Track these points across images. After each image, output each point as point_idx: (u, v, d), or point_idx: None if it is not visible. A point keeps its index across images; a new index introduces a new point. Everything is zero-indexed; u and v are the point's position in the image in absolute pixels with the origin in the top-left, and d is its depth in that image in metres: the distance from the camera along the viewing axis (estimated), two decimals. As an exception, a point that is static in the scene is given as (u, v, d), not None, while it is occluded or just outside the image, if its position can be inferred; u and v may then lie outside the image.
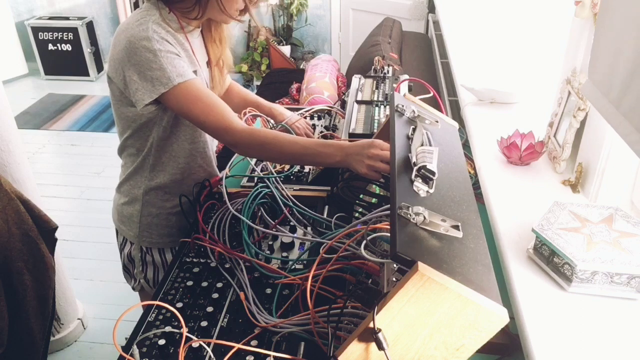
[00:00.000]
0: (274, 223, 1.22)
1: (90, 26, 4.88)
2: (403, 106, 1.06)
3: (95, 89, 4.80)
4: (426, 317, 0.66)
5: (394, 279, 0.74)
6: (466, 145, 1.43)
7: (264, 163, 1.49)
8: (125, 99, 1.22)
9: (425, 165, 0.82)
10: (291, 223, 1.22)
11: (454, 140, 1.06)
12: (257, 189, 1.28)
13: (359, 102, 1.68)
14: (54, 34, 4.82)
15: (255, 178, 1.43)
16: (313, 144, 1.18)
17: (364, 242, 0.83)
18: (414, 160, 0.87)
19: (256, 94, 1.67)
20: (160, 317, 0.98)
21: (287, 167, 1.49)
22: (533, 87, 1.62)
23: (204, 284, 1.06)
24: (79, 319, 2.27)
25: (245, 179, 1.44)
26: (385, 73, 1.90)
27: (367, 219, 1.01)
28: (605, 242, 0.87)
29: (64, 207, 3.17)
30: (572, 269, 0.85)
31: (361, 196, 1.19)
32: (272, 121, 1.63)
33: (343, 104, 1.85)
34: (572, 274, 0.86)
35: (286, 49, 4.67)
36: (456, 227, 0.74)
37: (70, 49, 4.86)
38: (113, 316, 2.33)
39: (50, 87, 4.84)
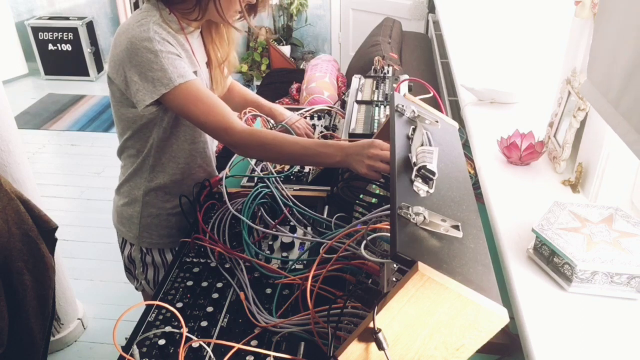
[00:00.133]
0: (274, 223, 1.22)
1: (90, 26, 4.88)
2: (403, 106, 1.06)
3: (95, 89, 4.80)
4: (426, 317, 0.66)
5: (394, 279, 0.74)
6: (466, 145, 1.43)
7: (264, 163, 1.49)
8: (126, 100, 1.22)
9: (425, 165, 0.82)
10: (291, 223, 1.22)
11: (454, 140, 1.06)
12: (257, 189, 1.28)
13: (359, 102, 1.68)
14: (54, 34, 4.82)
15: (255, 178, 1.43)
16: (313, 144, 1.18)
17: (364, 242, 0.83)
18: (414, 160, 0.87)
19: (256, 94, 1.67)
20: (160, 317, 0.98)
21: (287, 167, 1.49)
22: (533, 87, 1.62)
23: (204, 284, 1.06)
24: (79, 319, 2.27)
25: (245, 179, 1.45)
26: (385, 73, 1.90)
27: (367, 219, 1.01)
28: (605, 242, 0.87)
29: (64, 207, 3.17)
30: (572, 269, 0.85)
31: (361, 196, 1.19)
32: (272, 121, 1.63)
33: (343, 104, 1.85)
34: (572, 274, 0.86)
35: (286, 49, 4.68)
36: (456, 227, 0.74)
37: (70, 49, 4.86)
38: (113, 316, 2.33)
39: (50, 87, 4.84)
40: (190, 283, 1.06)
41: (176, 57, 1.16)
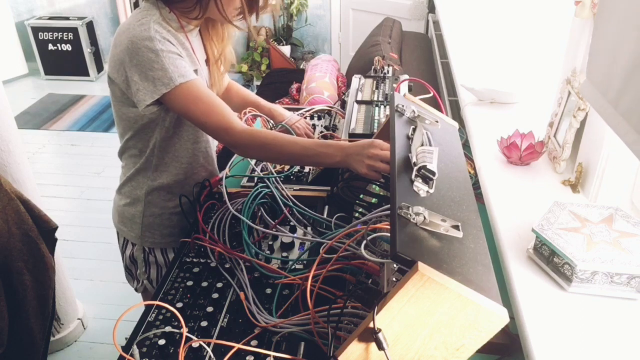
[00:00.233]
0: (274, 223, 1.22)
1: (90, 26, 4.88)
2: (403, 106, 1.06)
3: (95, 89, 4.80)
4: (426, 317, 0.66)
5: (394, 279, 0.74)
6: (466, 145, 1.43)
7: (264, 163, 1.49)
8: (127, 100, 1.22)
9: (425, 165, 0.83)
10: (291, 223, 1.22)
11: (454, 140, 1.06)
12: (257, 189, 1.28)
13: (359, 102, 1.68)
14: (54, 34, 4.82)
15: (255, 178, 1.43)
16: (313, 145, 1.18)
17: (364, 242, 0.83)
18: (414, 160, 0.87)
19: (256, 94, 1.67)
20: (160, 317, 0.98)
21: (287, 167, 1.49)
22: (533, 87, 1.62)
23: (204, 284, 1.06)
24: (79, 319, 2.27)
25: (245, 179, 1.45)
26: (385, 73, 1.90)
27: (367, 219, 1.01)
28: (605, 242, 0.87)
29: (64, 207, 3.17)
30: (572, 269, 0.85)
31: (361, 196, 1.19)
32: (272, 121, 1.63)
33: (343, 104, 1.85)
34: (572, 274, 0.86)
35: (286, 49, 4.68)
36: (456, 227, 0.74)
37: (70, 49, 4.86)
38: (113, 316, 2.33)
39: (50, 87, 4.84)
40: (190, 283, 1.06)
41: (177, 57, 1.16)
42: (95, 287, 2.54)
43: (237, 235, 1.21)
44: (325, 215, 1.22)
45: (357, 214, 1.18)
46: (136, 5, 4.81)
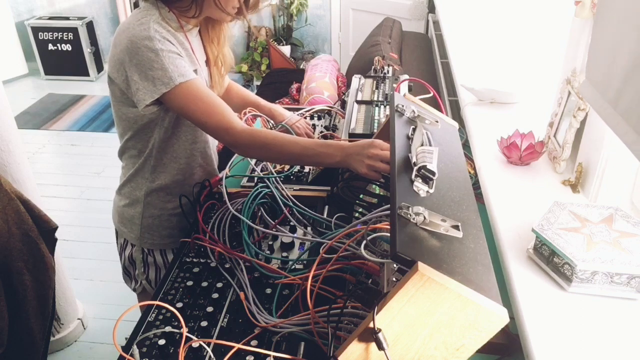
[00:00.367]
0: (274, 223, 1.22)
1: (90, 26, 4.88)
2: (403, 106, 1.06)
3: (95, 89, 4.80)
4: (426, 317, 0.66)
5: (394, 279, 0.74)
6: (466, 145, 1.43)
7: (264, 163, 1.49)
8: (127, 100, 1.22)
9: (425, 165, 0.83)
10: (291, 223, 1.22)
11: (454, 140, 1.06)
12: (257, 189, 1.28)
13: (359, 102, 1.68)
14: (54, 34, 4.82)
15: (255, 178, 1.43)
16: (313, 144, 1.18)
17: (364, 242, 0.84)
18: (414, 160, 0.87)
19: (256, 94, 1.67)
20: (160, 317, 0.98)
21: (287, 167, 1.49)
22: (533, 87, 1.62)
23: (204, 284, 1.06)
24: (79, 319, 2.27)
25: (245, 179, 1.45)
26: (385, 73, 1.90)
27: (367, 219, 1.01)
28: (605, 242, 0.87)
29: (64, 207, 3.17)
30: (572, 269, 0.85)
31: (361, 196, 1.19)
32: (272, 121, 1.63)
33: (343, 104, 1.85)
34: (572, 274, 0.86)
35: (286, 49, 4.68)
36: (456, 227, 0.74)
37: (70, 49, 4.86)
38: (113, 316, 2.33)
39: (50, 87, 4.84)
40: (190, 283, 1.06)
41: (177, 56, 1.16)
42: (95, 287, 2.54)
43: (237, 235, 1.21)
44: (325, 215, 1.22)
45: (357, 214, 1.18)
46: (136, 5, 4.79)
